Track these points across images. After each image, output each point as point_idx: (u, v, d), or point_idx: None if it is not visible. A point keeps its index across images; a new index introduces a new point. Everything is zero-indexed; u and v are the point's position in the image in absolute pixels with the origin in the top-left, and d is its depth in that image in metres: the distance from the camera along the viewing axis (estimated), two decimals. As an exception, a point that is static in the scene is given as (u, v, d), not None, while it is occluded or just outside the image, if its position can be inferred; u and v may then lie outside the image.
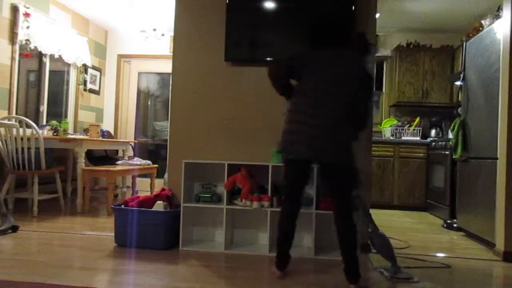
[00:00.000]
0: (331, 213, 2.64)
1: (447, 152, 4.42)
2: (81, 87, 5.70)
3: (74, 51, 5.32)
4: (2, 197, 3.43)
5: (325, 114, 2.09)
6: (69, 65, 5.51)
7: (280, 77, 2.32)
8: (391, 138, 5.46)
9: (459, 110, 3.91)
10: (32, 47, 4.56)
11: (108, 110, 6.35)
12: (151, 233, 2.74)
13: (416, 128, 5.53)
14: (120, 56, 6.36)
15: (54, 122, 4.54)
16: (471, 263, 2.76)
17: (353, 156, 2.14)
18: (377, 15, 3.07)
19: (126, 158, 4.98)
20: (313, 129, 2.09)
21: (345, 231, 2.12)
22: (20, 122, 3.80)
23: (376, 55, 4.46)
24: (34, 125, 3.84)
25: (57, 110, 5.45)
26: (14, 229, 3.11)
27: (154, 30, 5.77)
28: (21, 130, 3.72)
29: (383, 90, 5.89)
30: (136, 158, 4.93)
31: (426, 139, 5.37)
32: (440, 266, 2.55)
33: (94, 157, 5.37)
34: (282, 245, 2.26)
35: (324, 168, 2.18)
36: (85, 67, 5.70)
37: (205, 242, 2.96)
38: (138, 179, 5.19)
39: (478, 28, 3.80)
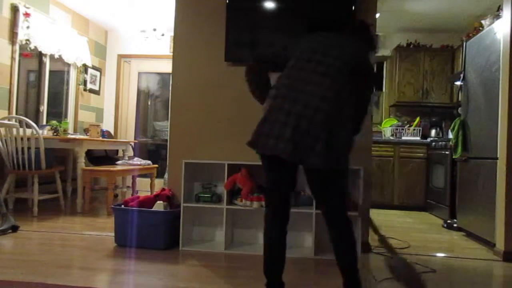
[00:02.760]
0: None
1: (447, 152, 4.42)
2: (81, 87, 5.70)
3: (74, 51, 5.32)
4: (2, 197, 3.43)
5: (311, 101, 1.66)
6: (69, 65, 5.51)
7: (259, 74, 1.99)
8: (391, 138, 5.46)
9: (459, 110, 3.90)
10: (32, 47, 4.56)
11: (108, 110, 6.34)
12: (151, 233, 2.74)
13: (416, 128, 5.52)
14: (120, 56, 6.36)
15: (54, 122, 4.55)
16: (471, 263, 2.76)
17: (347, 161, 1.74)
18: (377, 15, 3.07)
19: (126, 158, 4.99)
20: (298, 119, 1.65)
21: (338, 242, 1.75)
22: (20, 122, 3.79)
23: (376, 55, 4.45)
24: (34, 125, 3.84)
25: (57, 110, 5.45)
26: (14, 229, 3.11)
27: (154, 30, 5.77)
28: (21, 130, 3.72)
29: (383, 90, 5.89)
30: (136, 158, 4.94)
31: (426, 139, 5.36)
32: (426, 271, 2.49)
33: (94, 157, 5.36)
34: (272, 271, 1.81)
35: (309, 171, 1.74)
36: (85, 67, 5.70)
37: (205, 242, 2.96)
38: (138, 179, 5.19)
39: (478, 28, 3.80)
